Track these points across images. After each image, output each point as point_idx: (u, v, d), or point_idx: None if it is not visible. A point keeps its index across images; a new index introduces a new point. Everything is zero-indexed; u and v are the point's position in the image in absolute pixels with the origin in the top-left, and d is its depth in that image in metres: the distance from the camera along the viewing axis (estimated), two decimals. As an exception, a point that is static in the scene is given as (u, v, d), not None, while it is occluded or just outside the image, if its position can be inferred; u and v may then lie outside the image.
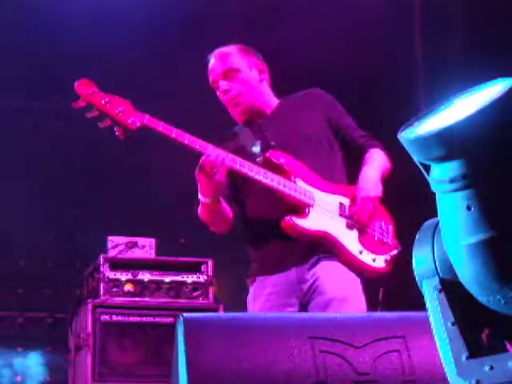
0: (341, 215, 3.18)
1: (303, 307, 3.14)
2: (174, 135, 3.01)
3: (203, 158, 2.99)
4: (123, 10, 5.61)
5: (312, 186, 3.18)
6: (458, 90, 1.36)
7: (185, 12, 5.61)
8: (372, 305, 3.19)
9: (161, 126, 3.02)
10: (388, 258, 3.17)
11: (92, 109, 3.02)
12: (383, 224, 3.25)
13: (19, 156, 5.77)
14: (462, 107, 1.29)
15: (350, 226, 3.17)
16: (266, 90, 3.38)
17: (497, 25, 5.56)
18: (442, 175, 1.31)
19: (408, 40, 6.11)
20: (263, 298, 3.19)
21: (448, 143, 1.26)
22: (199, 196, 3.11)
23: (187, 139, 3.03)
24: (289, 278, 3.17)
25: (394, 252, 3.19)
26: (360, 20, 5.82)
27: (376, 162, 3.27)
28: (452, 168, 1.29)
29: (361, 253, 3.14)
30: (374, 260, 3.15)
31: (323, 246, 3.14)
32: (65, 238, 5.88)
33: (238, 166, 3.06)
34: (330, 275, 3.12)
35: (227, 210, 3.23)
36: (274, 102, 3.40)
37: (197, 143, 3.03)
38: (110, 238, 4.80)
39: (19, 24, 5.50)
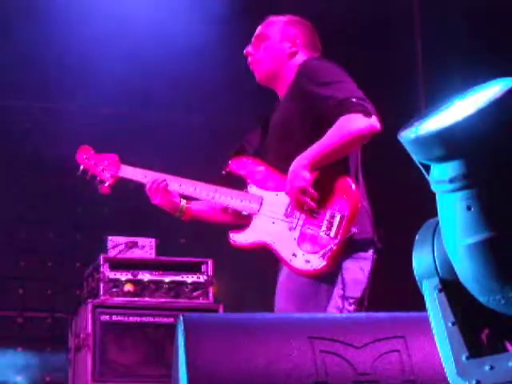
0: (285, 215, 3.04)
1: None
2: (139, 179, 3.39)
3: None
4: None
5: (265, 188, 3.12)
6: (458, 90, 1.36)
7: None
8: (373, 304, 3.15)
9: (131, 174, 3.42)
10: (324, 253, 2.91)
11: (87, 172, 3.49)
12: (332, 213, 2.95)
13: (16, 155, 5.77)
14: (462, 107, 1.28)
15: (292, 227, 3.01)
16: (296, 63, 3.20)
17: (497, 24, 5.56)
18: (441, 175, 1.31)
19: (408, 40, 6.11)
20: None
21: (448, 143, 1.26)
22: None
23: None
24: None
25: (327, 248, 2.90)
26: (360, 20, 5.82)
27: (318, 142, 2.95)
28: (452, 168, 1.29)
29: (295, 256, 2.97)
30: (308, 261, 2.93)
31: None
32: (65, 238, 5.88)
33: (179, 186, 3.29)
34: (280, 283, 3.11)
35: (216, 210, 3.35)
36: None
37: (142, 176, 3.38)
38: (109, 238, 4.80)
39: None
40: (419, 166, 1.34)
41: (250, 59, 3.27)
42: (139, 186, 3.40)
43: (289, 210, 3.03)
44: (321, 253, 2.91)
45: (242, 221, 3.22)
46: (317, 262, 2.92)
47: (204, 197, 3.24)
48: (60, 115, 5.88)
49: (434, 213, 1.45)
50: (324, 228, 2.94)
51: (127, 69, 5.62)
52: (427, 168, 1.34)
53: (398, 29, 5.99)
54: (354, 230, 2.92)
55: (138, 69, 5.71)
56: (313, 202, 2.94)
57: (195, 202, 3.35)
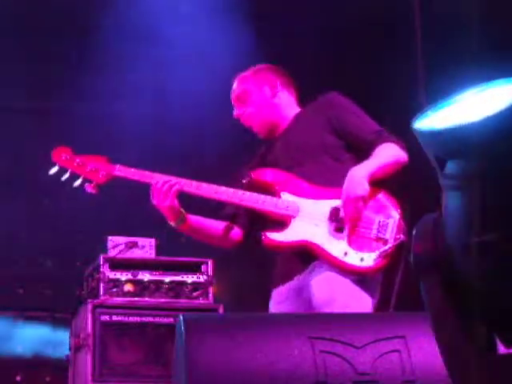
0: (330, 219, 3.15)
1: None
2: (146, 180, 3.27)
3: (151, 186, 3.23)
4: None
5: (300, 196, 3.22)
6: (458, 90, 1.35)
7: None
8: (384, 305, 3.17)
9: (131, 174, 3.31)
10: (378, 253, 3.05)
11: (65, 172, 3.37)
12: (382, 218, 3.12)
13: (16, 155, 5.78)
14: (478, 103, 1.28)
15: (338, 229, 3.12)
16: (283, 101, 3.44)
17: (497, 24, 5.56)
18: (455, 171, 1.30)
19: (408, 40, 6.10)
20: (273, 309, 3.28)
21: (466, 141, 1.25)
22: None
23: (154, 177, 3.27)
24: (291, 287, 3.22)
25: (385, 247, 3.05)
26: (360, 20, 5.82)
27: (371, 159, 3.19)
28: (468, 165, 1.28)
29: (346, 254, 3.08)
30: (362, 259, 3.06)
31: (312, 253, 3.15)
32: (65, 238, 5.88)
33: (194, 189, 3.24)
34: (318, 280, 3.13)
35: (213, 228, 3.38)
36: (294, 111, 3.45)
37: (149, 177, 3.26)
38: (109, 238, 4.80)
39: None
40: (433, 160, 1.33)
41: (242, 120, 3.44)
42: (139, 186, 3.38)
43: (334, 214, 3.15)
44: (378, 252, 3.06)
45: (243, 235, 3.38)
46: (371, 260, 3.06)
47: (226, 199, 3.24)
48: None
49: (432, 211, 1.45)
50: (377, 231, 3.10)
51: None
52: (441, 163, 1.33)
53: (398, 29, 5.98)
54: (403, 237, 3.07)
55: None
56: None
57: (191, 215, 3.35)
